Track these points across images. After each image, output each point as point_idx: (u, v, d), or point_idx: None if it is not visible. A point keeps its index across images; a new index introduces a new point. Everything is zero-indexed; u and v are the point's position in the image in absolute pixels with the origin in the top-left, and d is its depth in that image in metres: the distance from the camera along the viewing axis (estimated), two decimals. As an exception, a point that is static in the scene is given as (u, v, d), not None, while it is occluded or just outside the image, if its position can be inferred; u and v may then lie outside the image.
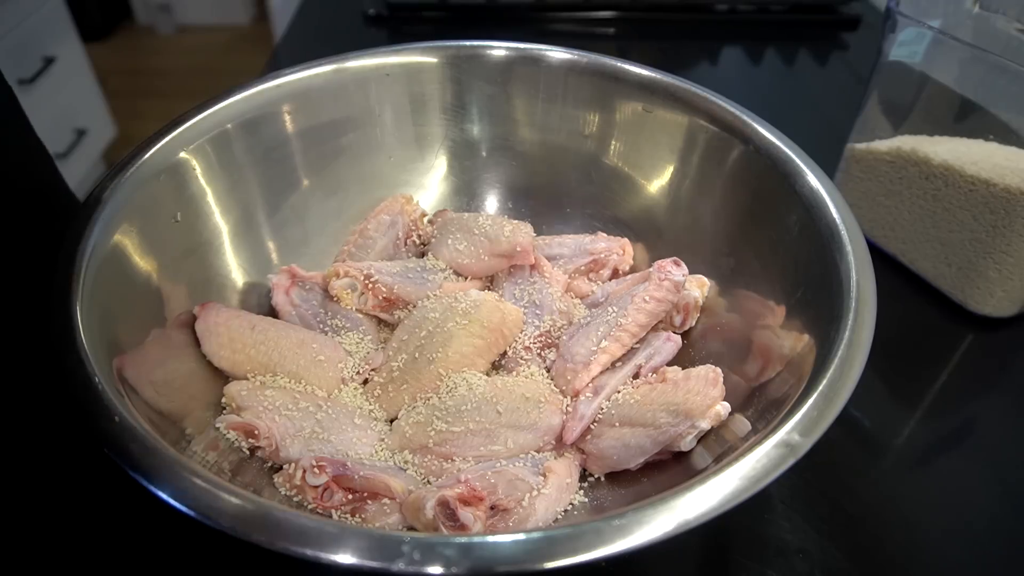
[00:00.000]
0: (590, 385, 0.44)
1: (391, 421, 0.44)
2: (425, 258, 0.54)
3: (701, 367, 0.42)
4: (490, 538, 0.27)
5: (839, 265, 0.39)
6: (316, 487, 0.37)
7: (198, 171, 0.48)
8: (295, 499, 0.38)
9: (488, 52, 0.57)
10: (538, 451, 0.43)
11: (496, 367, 0.48)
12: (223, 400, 0.42)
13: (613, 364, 0.45)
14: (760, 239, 0.47)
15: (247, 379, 0.44)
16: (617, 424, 0.41)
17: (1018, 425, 0.52)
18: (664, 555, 0.44)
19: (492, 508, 0.37)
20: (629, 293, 0.47)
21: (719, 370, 0.42)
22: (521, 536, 0.27)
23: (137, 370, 0.37)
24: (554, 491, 0.38)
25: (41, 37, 1.62)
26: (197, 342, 0.44)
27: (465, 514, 0.35)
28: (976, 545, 0.45)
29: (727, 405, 0.41)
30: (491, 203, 0.60)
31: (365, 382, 0.46)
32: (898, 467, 0.49)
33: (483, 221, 0.52)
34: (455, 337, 0.44)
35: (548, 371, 0.47)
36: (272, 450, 0.40)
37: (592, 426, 0.42)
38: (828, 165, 0.48)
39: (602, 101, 0.56)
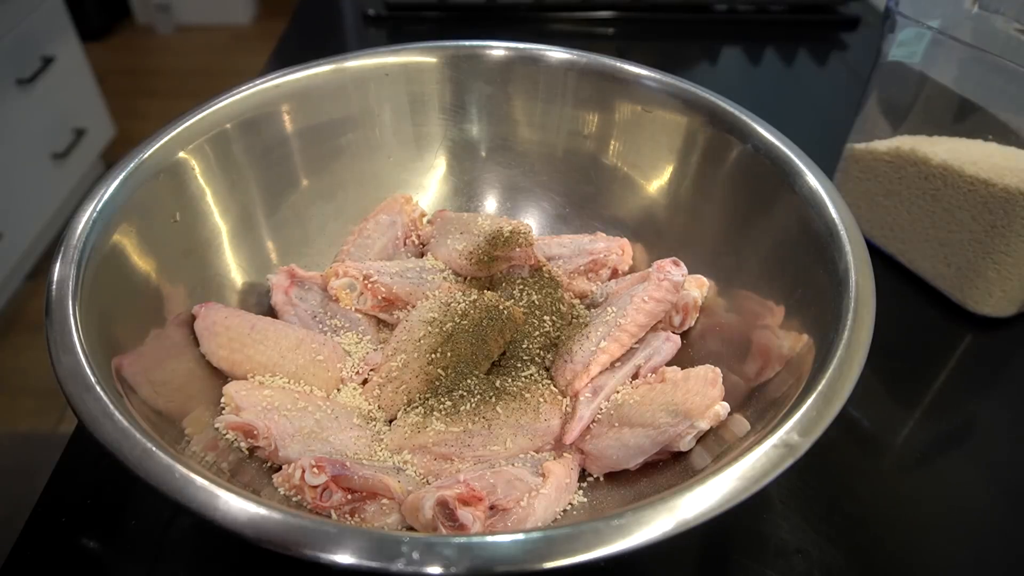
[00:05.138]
0: (589, 385, 0.44)
1: (390, 421, 0.44)
2: (424, 258, 0.54)
3: (700, 367, 0.42)
4: (489, 538, 0.27)
5: (838, 265, 0.39)
6: (315, 487, 0.37)
7: (197, 171, 0.48)
8: (294, 499, 0.38)
9: (488, 52, 0.57)
10: (537, 451, 0.43)
11: (496, 367, 0.48)
12: (222, 400, 0.42)
13: (612, 364, 0.45)
14: (760, 239, 0.47)
15: (246, 379, 0.44)
16: (616, 424, 0.41)
17: (1017, 425, 0.52)
18: (664, 555, 0.44)
19: (491, 508, 0.37)
20: (628, 293, 0.47)
21: (718, 370, 0.42)
22: (520, 536, 0.27)
23: (136, 370, 0.37)
24: (553, 491, 0.38)
25: (40, 37, 1.62)
26: (196, 342, 0.44)
27: (464, 514, 0.35)
28: (976, 545, 0.45)
29: (726, 405, 0.41)
30: (490, 203, 0.60)
31: (364, 382, 0.46)
32: (897, 467, 0.49)
33: (482, 221, 0.52)
34: (454, 337, 0.44)
35: (548, 371, 0.47)
36: (271, 450, 0.40)
37: (591, 426, 0.42)
38: (827, 165, 0.48)
39: (602, 101, 0.56)
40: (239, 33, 2.73)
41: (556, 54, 0.56)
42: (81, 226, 0.39)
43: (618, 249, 0.54)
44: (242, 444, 0.40)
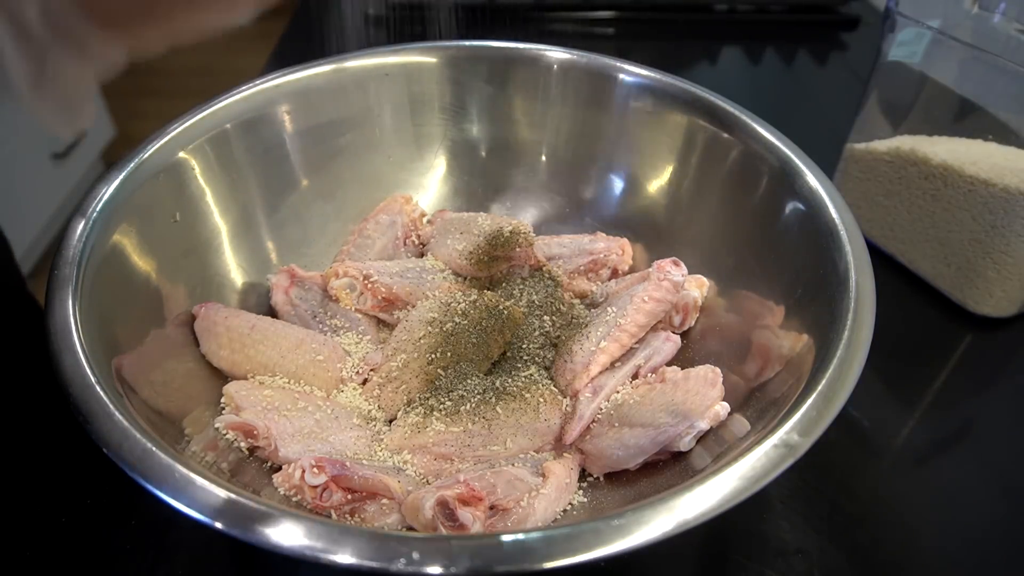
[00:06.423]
0: (589, 385, 0.44)
1: (390, 421, 0.44)
2: (424, 258, 0.54)
3: (700, 367, 0.42)
4: (489, 538, 0.27)
5: (838, 265, 0.39)
6: (315, 487, 0.37)
7: (197, 171, 0.48)
8: (294, 499, 0.38)
9: (488, 52, 0.57)
10: (537, 451, 0.43)
11: (496, 367, 0.48)
12: (222, 400, 0.42)
13: (612, 364, 0.45)
14: (760, 239, 0.47)
15: (246, 379, 0.44)
16: (616, 424, 0.41)
17: (1017, 425, 0.52)
18: (663, 555, 0.44)
19: (491, 508, 0.36)
20: (628, 293, 0.47)
21: (718, 370, 0.42)
22: (520, 536, 0.27)
23: (136, 370, 0.37)
24: (553, 491, 0.38)
25: (40, 37, 1.62)
26: (196, 342, 0.44)
27: (464, 514, 0.35)
28: (975, 545, 0.45)
29: (726, 405, 0.41)
30: (490, 203, 0.60)
31: (364, 382, 0.46)
32: (897, 467, 0.49)
33: (482, 221, 0.52)
34: (454, 337, 0.44)
35: (548, 371, 0.47)
36: (271, 450, 0.40)
37: (591, 426, 0.42)
38: (828, 165, 0.48)
39: (602, 101, 0.56)
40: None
41: (556, 54, 0.56)
42: (81, 226, 0.39)
43: (618, 249, 0.54)
44: (242, 444, 0.40)
